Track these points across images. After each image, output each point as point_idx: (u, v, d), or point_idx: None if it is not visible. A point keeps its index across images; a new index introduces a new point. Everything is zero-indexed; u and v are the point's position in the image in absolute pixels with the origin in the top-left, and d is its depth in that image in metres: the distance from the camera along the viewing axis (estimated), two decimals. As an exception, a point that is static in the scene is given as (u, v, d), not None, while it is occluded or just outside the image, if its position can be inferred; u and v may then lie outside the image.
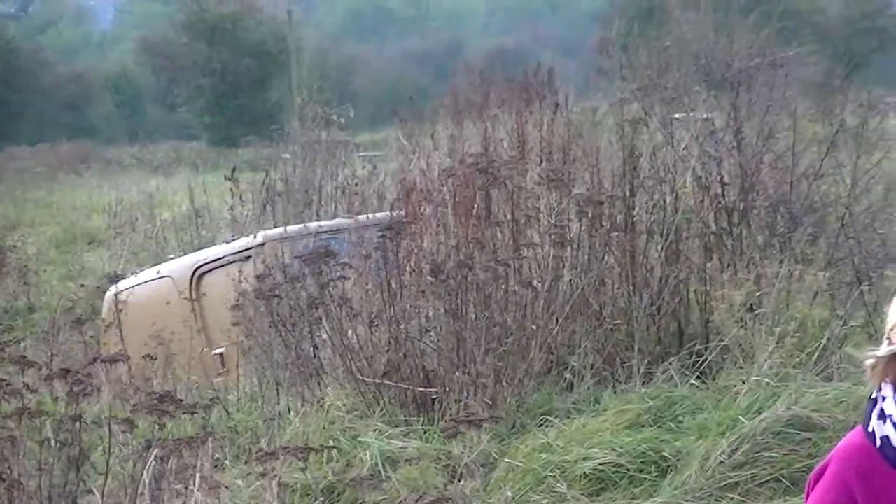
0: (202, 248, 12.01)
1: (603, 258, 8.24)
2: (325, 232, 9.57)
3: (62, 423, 5.58)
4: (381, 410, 7.44)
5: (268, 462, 5.57)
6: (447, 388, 7.44)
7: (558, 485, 6.49)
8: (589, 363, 7.77)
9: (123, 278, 11.59)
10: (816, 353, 7.49)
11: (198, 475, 5.56)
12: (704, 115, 9.08)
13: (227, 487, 6.02)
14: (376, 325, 7.78)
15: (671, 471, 6.58)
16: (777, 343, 7.43)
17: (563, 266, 8.03)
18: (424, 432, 7.19)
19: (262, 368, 8.41)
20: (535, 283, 7.92)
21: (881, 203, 8.96)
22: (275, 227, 11.10)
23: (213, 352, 9.60)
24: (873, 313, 7.89)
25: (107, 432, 5.84)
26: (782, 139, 8.77)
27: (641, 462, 6.63)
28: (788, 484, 6.42)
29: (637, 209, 8.48)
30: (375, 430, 7.16)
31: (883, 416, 2.83)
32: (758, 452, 6.56)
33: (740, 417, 6.80)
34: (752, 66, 9.00)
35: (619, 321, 8.15)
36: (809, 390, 6.98)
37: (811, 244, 8.51)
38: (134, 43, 58.57)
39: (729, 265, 8.34)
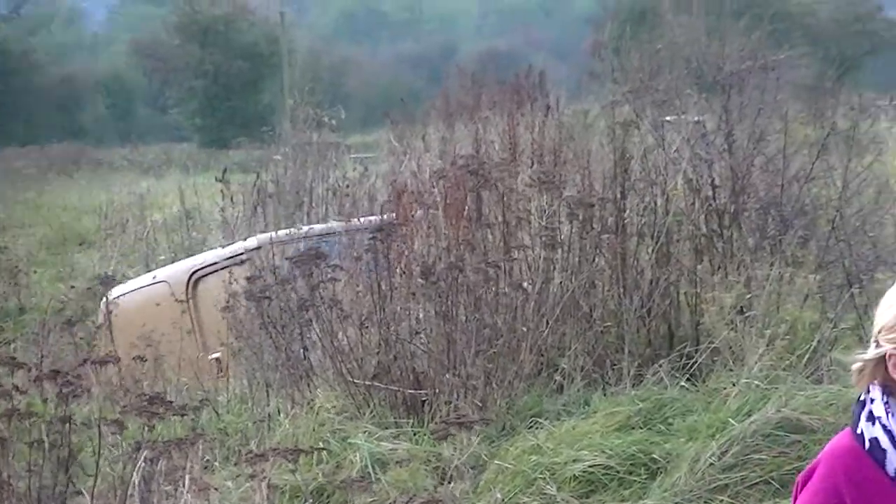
0: (193, 250, 11.99)
1: (593, 260, 8.24)
2: (322, 235, 9.55)
3: (52, 424, 5.57)
4: (371, 412, 7.44)
5: (257, 464, 5.57)
6: (437, 390, 7.43)
7: (548, 487, 6.49)
8: (579, 365, 7.77)
9: (114, 280, 11.56)
10: (806, 356, 7.51)
11: (187, 477, 5.56)
12: (696, 118, 9.08)
13: (216, 489, 6.02)
14: (366, 327, 7.77)
15: (661, 473, 6.58)
16: (767, 345, 7.44)
17: (554, 268, 8.03)
18: (414, 434, 7.18)
19: (253, 370, 8.40)
20: (525, 285, 7.92)
21: (872, 206, 8.98)
22: (266, 228, 11.08)
23: (210, 356, 9.58)
24: (863, 316, 7.90)
25: (96, 434, 5.83)
26: (773, 142, 8.78)
27: (631, 464, 6.64)
28: (778, 486, 6.43)
29: (628, 211, 8.49)
30: (365, 432, 7.15)
31: (871, 418, 2.84)
32: (747, 455, 6.57)
33: (730, 420, 6.81)
34: (744, 69, 9.01)
35: (609, 323, 8.15)
36: (799, 393, 6.99)
37: (802, 247, 8.52)
38: (126, 44, 58.49)
39: (719, 268, 8.35)
